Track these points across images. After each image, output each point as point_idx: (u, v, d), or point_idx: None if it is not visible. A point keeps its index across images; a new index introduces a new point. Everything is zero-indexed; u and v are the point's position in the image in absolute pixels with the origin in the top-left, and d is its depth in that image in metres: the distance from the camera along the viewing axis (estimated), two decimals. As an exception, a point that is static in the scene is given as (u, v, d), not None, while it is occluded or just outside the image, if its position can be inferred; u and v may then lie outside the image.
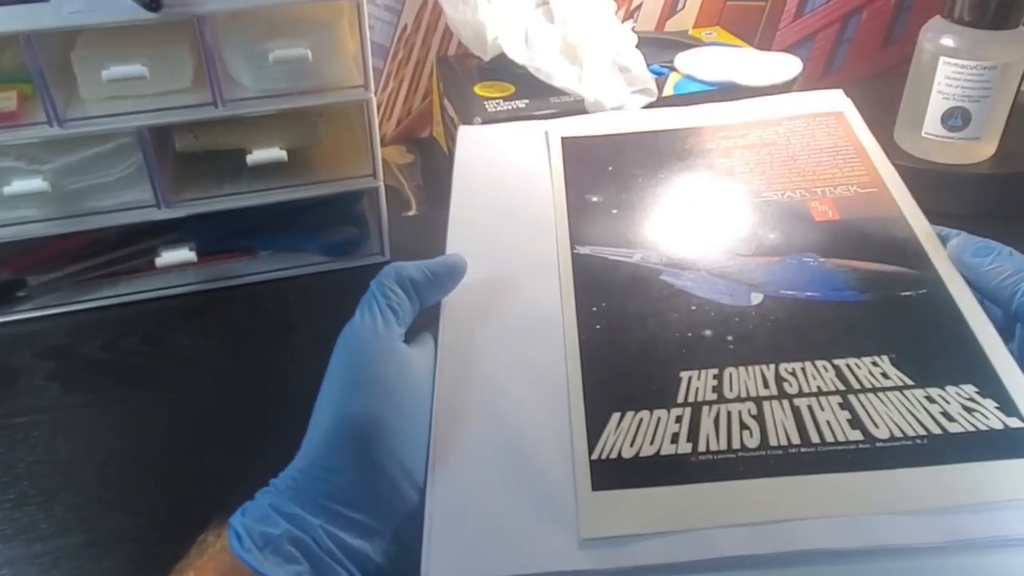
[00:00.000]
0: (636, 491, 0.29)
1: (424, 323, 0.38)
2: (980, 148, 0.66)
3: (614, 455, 0.31)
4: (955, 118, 0.64)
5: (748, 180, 0.45)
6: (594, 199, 0.44)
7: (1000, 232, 0.40)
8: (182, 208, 0.56)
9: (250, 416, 0.49)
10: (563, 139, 0.49)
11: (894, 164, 0.66)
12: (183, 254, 0.57)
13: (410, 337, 0.36)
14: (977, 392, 0.32)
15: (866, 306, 0.36)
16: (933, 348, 0.34)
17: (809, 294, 0.37)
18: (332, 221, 0.63)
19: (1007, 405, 0.31)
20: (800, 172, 0.45)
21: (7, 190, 0.51)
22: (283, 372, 0.53)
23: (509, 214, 0.44)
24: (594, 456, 0.31)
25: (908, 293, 0.37)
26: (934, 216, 0.42)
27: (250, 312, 0.59)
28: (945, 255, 0.38)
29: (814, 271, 0.38)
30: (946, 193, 0.66)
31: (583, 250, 0.41)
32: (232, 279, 0.61)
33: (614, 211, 0.43)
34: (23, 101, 0.52)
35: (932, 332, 0.35)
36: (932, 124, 0.65)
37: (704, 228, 0.42)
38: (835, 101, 0.51)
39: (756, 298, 0.37)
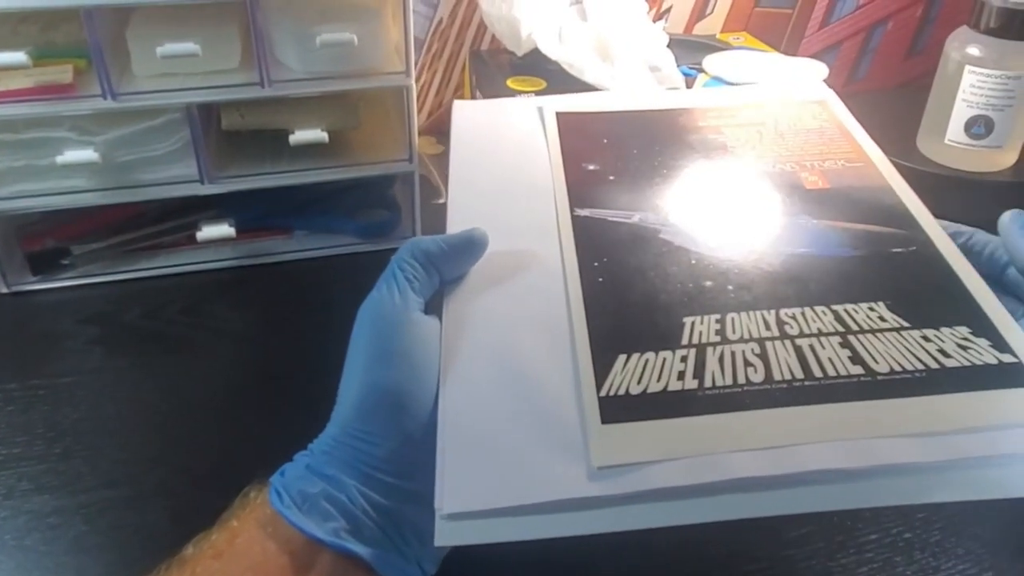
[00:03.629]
0: (645, 423, 0.30)
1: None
2: (1002, 156, 0.67)
3: (622, 392, 0.32)
4: (978, 126, 0.65)
5: (739, 153, 0.46)
6: (591, 167, 0.45)
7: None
8: (224, 184, 0.58)
9: (284, 385, 0.51)
10: (558, 114, 0.50)
11: (916, 170, 0.68)
12: (223, 229, 0.59)
13: (431, 309, 0.37)
14: (971, 332, 0.33)
15: (859, 260, 0.38)
16: (926, 296, 0.36)
17: (804, 250, 0.38)
18: (366, 204, 0.65)
19: (999, 343, 0.33)
20: (789, 148, 0.47)
21: (60, 159, 0.53)
22: (316, 346, 0.54)
23: (507, 181, 0.45)
24: (602, 393, 0.32)
25: (899, 250, 0.38)
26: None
27: (285, 289, 0.61)
28: (931, 219, 0.40)
29: (808, 230, 0.40)
30: (967, 200, 0.67)
31: (582, 212, 0.42)
32: (268, 256, 0.63)
33: (611, 178, 0.44)
34: (78, 75, 0.54)
35: (924, 282, 0.36)
36: (955, 131, 0.67)
37: (698, 193, 0.43)
38: (817, 90, 0.53)
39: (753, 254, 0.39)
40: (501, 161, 0.46)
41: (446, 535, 0.29)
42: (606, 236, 0.40)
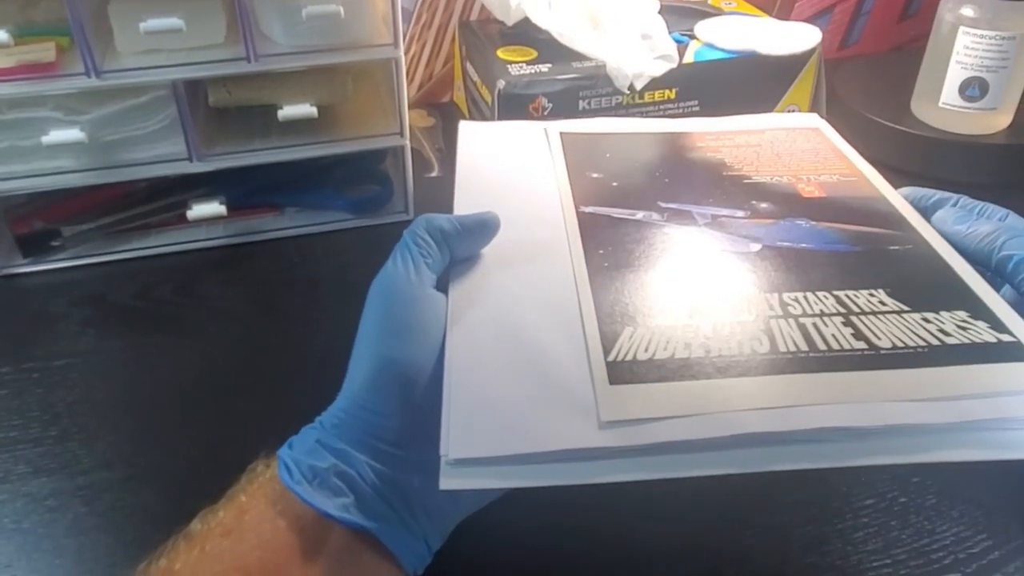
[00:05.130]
0: (653, 384, 0.31)
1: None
2: (997, 119, 0.67)
3: (629, 358, 0.32)
4: (973, 88, 0.65)
5: (737, 169, 0.48)
6: (595, 175, 0.47)
7: (1014, 203, 0.41)
8: (213, 162, 0.57)
9: (278, 363, 0.51)
10: (562, 133, 0.52)
11: (911, 134, 0.68)
12: (214, 207, 0.58)
13: (439, 287, 0.37)
14: (969, 315, 0.34)
15: (858, 255, 0.39)
16: (924, 285, 0.37)
17: (804, 246, 0.40)
18: (357, 179, 0.65)
19: (997, 325, 0.34)
20: (785, 164, 0.48)
21: (45, 140, 0.53)
22: (309, 323, 0.54)
23: (514, 186, 0.46)
24: (610, 359, 0.32)
25: (896, 247, 0.40)
26: (949, 186, 0.44)
27: (277, 266, 0.60)
28: (926, 223, 0.41)
29: (807, 229, 0.41)
30: (962, 163, 0.67)
31: (587, 209, 0.43)
32: (259, 234, 0.62)
33: (615, 184, 0.46)
34: (60, 53, 0.53)
35: (921, 274, 0.38)
36: (950, 94, 0.66)
37: (701, 197, 0.45)
38: (812, 120, 0.55)
39: (755, 247, 0.40)
40: (507, 171, 0.48)
41: (452, 480, 0.29)
42: (611, 229, 0.41)
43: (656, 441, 0.29)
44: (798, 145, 0.51)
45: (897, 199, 0.44)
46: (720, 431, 0.29)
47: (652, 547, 0.39)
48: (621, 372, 0.32)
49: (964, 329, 0.33)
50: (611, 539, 0.39)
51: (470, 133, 0.52)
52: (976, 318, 0.34)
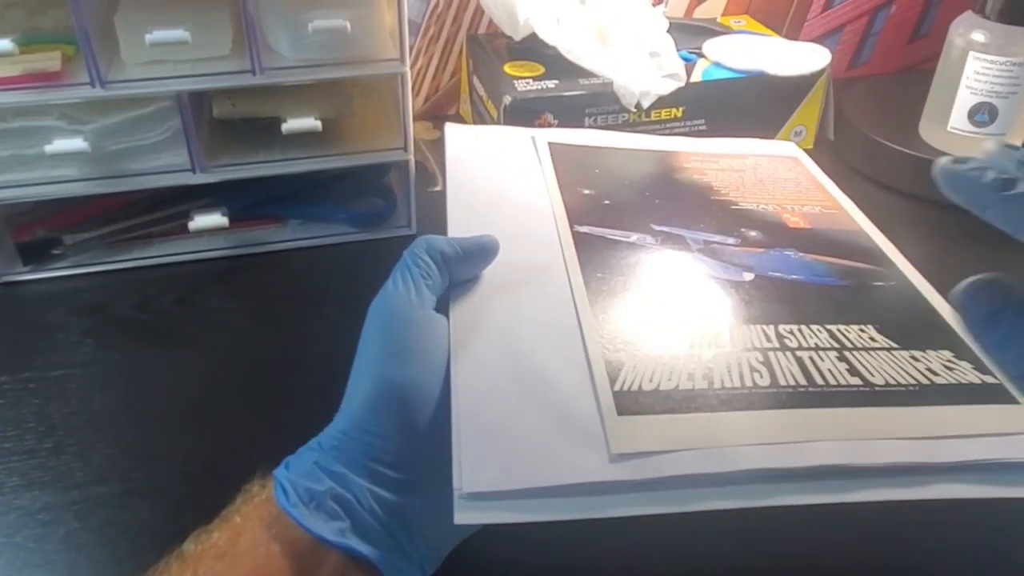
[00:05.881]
0: (660, 416, 0.31)
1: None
2: (1005, 144, 0.66)
3: (635, 387, 0.33)
4: (982, 113, 0.65)
5: (724, 193, 0.49)
6: (586, 192, 0.47)
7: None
8: (216, 173, 0.57)
9: (277, 377, 0.51)
10: (550, 144, 0.52)
11: (918, 158, 0.67)
12: (216, 219, 0.58)
13: (439, 309, 0.37)
14: (954, 356, 0.36)
15: (846, 289, 0.40)
16: (910, 323, 0.38)
17: (795, 277, 0.41)
18: (360, 193, 0.64)
19: (981, 367, 0.35)
20: (769, 192, 0.50)
21: (48, 149, 0.52)
22: (310, 336, 0.54)
23: (506, 200, 0.46)
24: (616, 388, 0.32)
25: (879, 283, 0.41)
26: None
27: (278, 278, 0.60)
28: (905, 260, 0.43)
29: (796, 261, 0.42)
30: (969, 188, 0.66)
31: (582, 229, 0.43)
32: (261, 245, 0.62)
33: (607, 202, 0.46)
34: (66, 62, 0.53)
35: (906, 311, 0.39)
36: (958, 119, 0.66)
37: (692, 221, 0.45)
38: (789, 149, 0.57)
39: (748, 276, 0.41)
40: (498, 182, 0.48)
41: (466, 514, 0.29)
42: (607, 251, 0.41)
43: (666, 475, 0.29)
44: (779, 173, 0.52)
45: (876, 233, 0.46)
46: (728, 466, 0.29)
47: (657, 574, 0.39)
48: (628, 402, 0.32)
49: (950, 369, 0.35)
50: (615, 566, 0.39)
51: (457, 137, 0.52)
52: (960, 358, 0.35)
